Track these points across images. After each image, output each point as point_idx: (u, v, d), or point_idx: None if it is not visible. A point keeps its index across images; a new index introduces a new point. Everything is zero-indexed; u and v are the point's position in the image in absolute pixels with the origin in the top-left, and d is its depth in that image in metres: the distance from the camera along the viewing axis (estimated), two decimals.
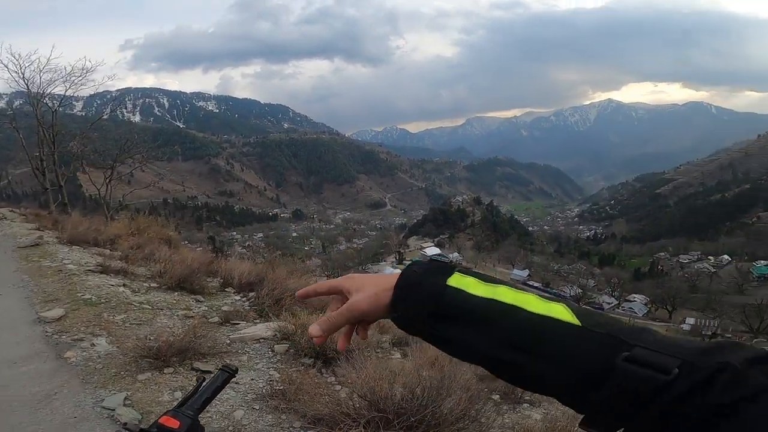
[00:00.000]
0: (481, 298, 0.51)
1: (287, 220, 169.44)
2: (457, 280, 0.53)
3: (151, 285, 5.00)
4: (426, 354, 3.32)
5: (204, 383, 0.81)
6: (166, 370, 2.89)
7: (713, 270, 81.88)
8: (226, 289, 5.30)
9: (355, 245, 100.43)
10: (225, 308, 4.45)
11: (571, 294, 60.65)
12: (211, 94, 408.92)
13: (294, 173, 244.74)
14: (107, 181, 15.59)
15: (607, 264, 76.81)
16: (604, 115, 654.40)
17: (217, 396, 0.81)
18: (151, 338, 3.22)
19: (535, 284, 67.08)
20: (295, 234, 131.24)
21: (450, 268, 0.55)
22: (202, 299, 4.79)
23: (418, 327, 0.55)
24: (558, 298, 0.50)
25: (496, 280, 0.53)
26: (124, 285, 4.80)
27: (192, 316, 4.09)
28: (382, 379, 2.50)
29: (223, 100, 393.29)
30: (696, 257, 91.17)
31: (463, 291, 0.52)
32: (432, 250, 79.20)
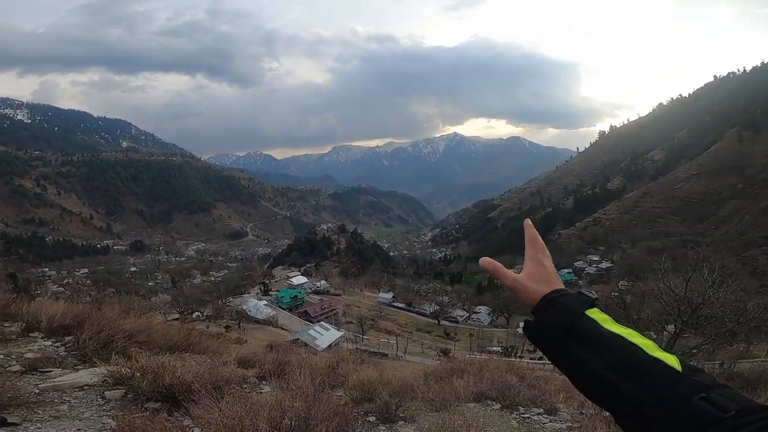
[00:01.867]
0: (611, 331, 0.67)
1: (123, 252, 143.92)
2: (593, 313, 0.70)
3: None
4: (293, 384, 3.12)
5: None
6: None
7: None
8: (30, 335, 4.21)
9: (212, 278, 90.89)
10: (29, 355, 3.55)
11: (431, 311, 65.82)
12: (23, 101, 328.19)
13: (133, 199, 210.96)
14: None
15: (457, 282, 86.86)
16: (451, 147, 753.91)
17: None
18: None
19: (399, 305, 71.18)
20: (134, 269, 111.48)
21: (591, 302, 0.72)
22: None
23: (549, 335, 0.71)
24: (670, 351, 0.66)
25: (623, 325, 0.70)
26: None
27: None
28: (243, 415, 2.27)
29: (40, 110, 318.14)
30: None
31: (597, 322, 0.69)
32: (299, 279, 77.35)
